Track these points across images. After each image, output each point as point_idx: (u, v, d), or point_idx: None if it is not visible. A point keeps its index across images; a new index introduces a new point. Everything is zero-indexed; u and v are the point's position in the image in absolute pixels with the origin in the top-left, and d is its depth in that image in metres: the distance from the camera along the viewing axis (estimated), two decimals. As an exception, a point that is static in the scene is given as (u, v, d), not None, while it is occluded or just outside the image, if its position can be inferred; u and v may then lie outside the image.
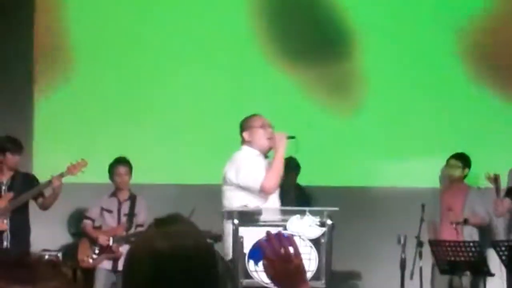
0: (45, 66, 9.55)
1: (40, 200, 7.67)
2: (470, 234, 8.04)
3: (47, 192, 7.64)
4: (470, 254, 7.44)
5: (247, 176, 6.26)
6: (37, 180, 7.76)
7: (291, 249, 2.29)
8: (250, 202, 6.25)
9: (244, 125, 6.43)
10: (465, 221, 8.02)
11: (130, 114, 9.31)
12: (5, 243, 7.51)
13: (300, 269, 2.28)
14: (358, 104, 9.50)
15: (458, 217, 8.04)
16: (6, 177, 7.70)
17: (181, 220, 2.21)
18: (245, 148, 6.38)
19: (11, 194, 7.58)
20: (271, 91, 9.37)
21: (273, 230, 6.54)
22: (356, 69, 9.53)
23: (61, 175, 7.53)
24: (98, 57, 9.62)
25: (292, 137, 6.23)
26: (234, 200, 6.36)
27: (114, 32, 9.59)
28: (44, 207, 7.70)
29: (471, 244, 7.57)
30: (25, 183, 7.69)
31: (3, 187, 7.68)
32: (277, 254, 2.27)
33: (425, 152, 8.97)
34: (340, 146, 9.26)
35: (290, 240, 2.33)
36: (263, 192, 6.24)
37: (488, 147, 8.81)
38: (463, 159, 8.32)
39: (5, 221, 7.55)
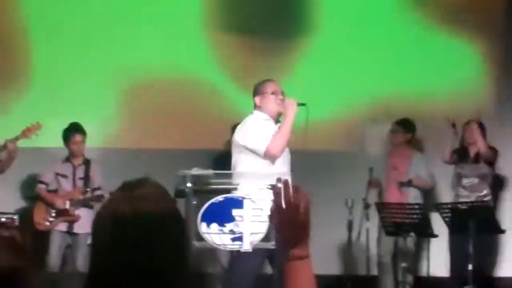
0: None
1: None
2: (415, 197, 8.12)
3: (2, 156, 7.64)
4: (415, 216, 7.53)
5: (254, 138, 6.23)
6: (4, 145, 7.70)
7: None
8: (257, 165, 6.23)
9: (256, 90, 6.40)
10: (409, 182, 8.14)
11: (86, 77, 9.20)
12: None
13: (306, 226, 2.19)
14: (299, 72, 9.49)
15: (403, 177, 8.16)
16: None
17: (149, 184, 2.16)
18: (256, 112, 6.35)
19: None
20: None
21: (224, 194, 6.48)
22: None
23: (16, 139, 7.54)
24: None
25: (303, 104, 6.19)
26: (241, 162, 6.36)
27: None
28: (0, 171, 7.73)
29: (416, 206, 7.68)
30: None
31: None
32: (288, 203, 2.15)
33: (371, 118, 9.11)
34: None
35: (303, 195, 2.19)
36: (268, 156, 6.20)
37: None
38: (405, 125, 8.39)
39: None
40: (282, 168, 6.23)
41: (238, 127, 6.40)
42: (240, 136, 6.28)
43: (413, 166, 8.30)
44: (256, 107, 6.32)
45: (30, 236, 7.41)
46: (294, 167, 6.96)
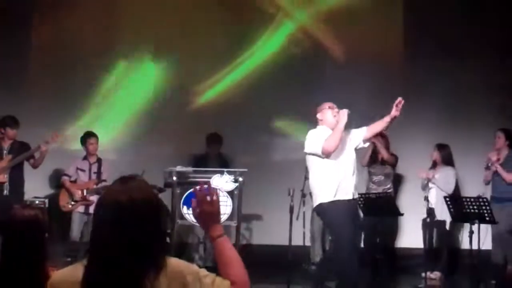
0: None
1: (31, 161, 7.84)
2: None
3: (37, 155, 7.80)
4: None
5: (310, 144, 6.01)
6: (29, 147, 7.81)
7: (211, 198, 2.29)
8: (324, 163, 5.98)
9: (317, 110, 6.16)
10: None
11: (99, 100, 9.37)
12: (5, 192, 7.62)
13: (216, 212, 2.29)
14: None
15: None
16: (6, 145, 7.77)
17: (138, 179, 2.25)
18: (319, 126, 6.14)
19: (10, 157, 7.69)
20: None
21: (200, 185, 7.05)
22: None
23: (47, 142, 7.66)
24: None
25: (349, 113, 5.92)
26: (312, 164, 6.12)
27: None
28: (35, 166, 7.87)
29: None
30: (20, 148, 7.78)
31: (5, 151, 7.76)
32: (202, 201, 2.28)
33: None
34: (249, 127, 9.11)
35: (212, 192, 2.31)
36: (325, 153, 5.91)
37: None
38: None
39: (5, 176, 7.64)
40: (346, 165, 6.04)
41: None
42: (305, 145, 6.09)
43: None
44: (318, 122, 6.15)
45: (52, 215, 7.45)
46: (251, 166, 7.15)
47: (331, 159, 5.94)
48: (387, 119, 6.08)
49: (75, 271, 2.13)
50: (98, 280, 2.08)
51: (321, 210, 6.10)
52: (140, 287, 2.07)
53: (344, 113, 5.89)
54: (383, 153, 8.27)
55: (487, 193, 7.67)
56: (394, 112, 5.99)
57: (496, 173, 7.75)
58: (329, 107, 6.08)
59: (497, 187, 7.81)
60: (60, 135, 8.06)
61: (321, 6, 9.58)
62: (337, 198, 5.91)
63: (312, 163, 6.07)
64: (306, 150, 6.08)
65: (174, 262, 2.17)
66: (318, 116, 6.11)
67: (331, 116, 6.02)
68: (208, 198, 2.26)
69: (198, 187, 2.28)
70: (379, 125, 6.20)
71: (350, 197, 6.01)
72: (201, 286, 2.14)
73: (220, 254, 2.27)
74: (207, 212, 2.27)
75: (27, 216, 2.99)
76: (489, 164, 7.75)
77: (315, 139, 5.99)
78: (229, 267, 2.25)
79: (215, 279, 2.19)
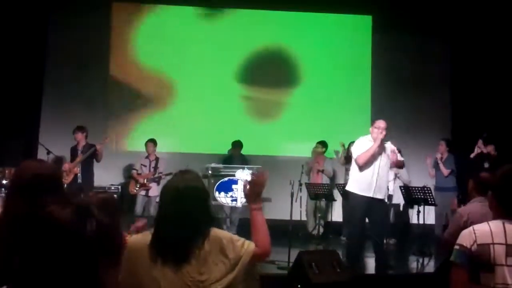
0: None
1: (94, 157, 7.62)
2: (327, 180, 8.19)
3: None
4: (325, 189, 7.67)
5: (354, 149, 5.73)
6: (94, 146, 7.56)
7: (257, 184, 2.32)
8: (355, 168, 5.64)
9: (372, 123, 5.76)
10: (322, 171, 8.17)
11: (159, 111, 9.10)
12: (79, 180, 7.41)
13: (260, 192, 2.31)
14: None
15: (321, 166, 8.18)
16: (80, 146, 7.61)
17: (191, 171, 2.25)
18: (367, 135, 5.70)
19: (81, 155, 7.52)
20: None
21: (228, 177, 6.88)
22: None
23: (101, 143, 7.56)
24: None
25: (383, 139, 5.56)
26: (353, 163, 5.76)
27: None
28: (97, 161, 7.63)
29: (326, 185, 7.81)
30: (89, 149, 7.55)
31: (79, 150, 7.60)
32: (255, 181, 2.31)
33: (303, 140, 8.78)
34: (265, 136, 9.02)
35: (263, 177, 2.33)
36: (356, 162, 5.61)
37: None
38: (323, 143, 8.38)
39: (78, 168, 7.46)
40: (370, 175, 5.54)
41: None
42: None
43: (325, 164, 8.26)
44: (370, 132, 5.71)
45: (123, 197, 7.78)
46: (264, 164, 7.22)
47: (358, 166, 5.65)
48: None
49: (146, 237, 2.14)
50: (161, 244, 2.09)
51: (346, 196, 6.03)
52: (192, 251, 2.07)
53: (379, 139, 5.52)
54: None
55: (430, 184, 7.70)
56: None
57: (438, 169, 7.83)
58: (375, 126, 5.62)
59: (439, 179, 7.86)
60: (108, 138, 7.89)
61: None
62: (358, 192, 5.64)
63: (353, 161, 5.81)
64: (352, 150, 5.90)
65: (213, 231, 2.15)
66: (370, 129, 5.72)
67: (375, 134, 5.58)
68: (259, 181, 2.30)
69: (255, 172, 2.45)
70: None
71: (370, 195, 5.58)
72: (234, 247, 2.13)
73: (254, 222, 2.26)
74: (255, 189, 2.29)
75: (101, 198, 3.05)
76: (437, 162, 7.82)
77: (357, 148, 5.69)
78: (258, 233, 2.24)
79: (244, 242, 2.17)
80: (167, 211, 2.13)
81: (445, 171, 7.77)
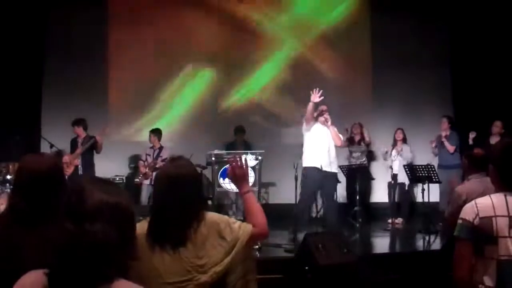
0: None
1: (94, 148, 7.52)
2: None
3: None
4: None
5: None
6: (94, 138, 7.44)
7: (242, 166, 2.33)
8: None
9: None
10: None
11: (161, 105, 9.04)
12: (80, 172, 7.34)
13: (244, 174, 2.33)
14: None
15: None
16: (81, 139, 7.55)
17: (183, 158, 2.23)
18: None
19: (81, 147, 7.44)
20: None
21: (234, 158, 6.64)
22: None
23: (100, 134, 7.42)
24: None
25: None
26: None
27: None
28: (97, 152, 7.56)
29: None
30: (88, 139, 7.47)
31: (79, 142, 7.54)
32: (235, 166, 2.31)
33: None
34: (267, 124, 8.97)
35: (242, 161, 2.34)
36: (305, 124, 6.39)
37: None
38: None
39: (78, 160, 7.38)
40: (321, 150, 6.30)
41: None
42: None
43: None
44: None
45: (129, 187, 7.58)
46: (268, 149, 7.03)
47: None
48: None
49: (143, 225, 2.13)
50: (157, 231, 2.09)
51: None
52: (187, 234, 2.08)
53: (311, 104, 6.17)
54: (367, 137, 8.34)
55: (434, 162, 7.71)
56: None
57: (443, 146, 7.80)
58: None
59: (443, 157, 7.82)
60: (107, 129, 7.69)
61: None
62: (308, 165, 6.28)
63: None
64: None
65: (210, 215, 2.16)
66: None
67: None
68: (239, 164, 2.31)
69: (232, 159, 2.35)
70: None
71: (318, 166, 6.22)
72: (231, 230, 2.14)
73: (247, 206, 2.29)
74: (239, 174, 2.31)
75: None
76: (442, 140, 7.79)
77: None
78: (253, 215, 2.25)
79: (241, 224, 2.19)
80: (160, 198, 2.14)
81: (451, 148, 7.70)
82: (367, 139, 8.38)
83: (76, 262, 1.30)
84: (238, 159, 2.34)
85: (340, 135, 6.60)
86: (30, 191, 2.06)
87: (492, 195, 2.21)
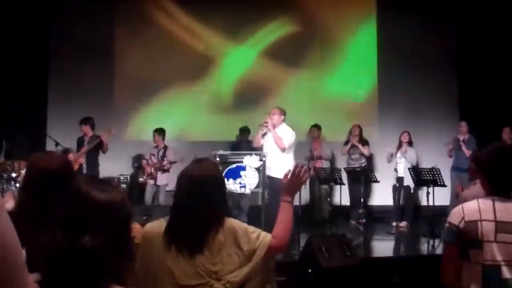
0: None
1: (100, 148, 7.50)
2: (327, 163, 8.26)
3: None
4: (326, 172, 7.81)
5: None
6: (99, 138, 7.40)
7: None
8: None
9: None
10: (320, 157, 8.18)
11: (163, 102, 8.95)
12: (84, 171, 7.30)
13: (297, 186, 2.26)
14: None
15: (319, 153, 8.17)
16: (87, 137, 7.54)
17: (207, 159, 2.25)
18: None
19: (87, 146, 7.43)
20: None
21: (236, 163, 6.48)
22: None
23: (105, 134, 7.35)
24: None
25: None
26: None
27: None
28: (103, 152, 7.53)
29: (326, 168, 8.01)
30: (94, 139, 7.46)
31: (86, 141, 7.54)
32: (296, 174, 2.25)
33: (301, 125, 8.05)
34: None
35: (304, 172, 2.27)
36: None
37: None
38: (318, 127, 8.36)
39: (83, 159, 7.39)
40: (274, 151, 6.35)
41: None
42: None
43: (322, 149, 8.20)
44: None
45: (133, 186, 7.52)
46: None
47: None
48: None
49: (161, 224, 2.12)
50: (175, 233, 2.08)
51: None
52: (204, 240, 2.06)
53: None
54: (364, 152, 8.24)
55: (447, 163, 7.71)
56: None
57: (459, 150, 7.78)
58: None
59: (458, 160, 7.79)
60: (113, 131, 7.60)
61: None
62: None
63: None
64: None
65: (229, 221, 2.12)
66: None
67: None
68: (300, 174, 2.25)
69: (299, 165, 2.27)
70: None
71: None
72: (248, 239, 2.10)
73: (281, 214, 2.22)
74: (294, 182, 2.26)
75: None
76: (460, 143, 7.78)
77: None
78: (279, 225, 2.19)
79: (260, 233, 2.13)
80: (182, 199, 2.11)
81: (467, 152, 7.67)
82: (365, 152, 8.26)
83: (68, 272, 1.27)
84: (304, 169, 2.29)
85: (283, 138, 6.41)
86: (40, 190, 2.04)
87: (480, 200, 2.21)
